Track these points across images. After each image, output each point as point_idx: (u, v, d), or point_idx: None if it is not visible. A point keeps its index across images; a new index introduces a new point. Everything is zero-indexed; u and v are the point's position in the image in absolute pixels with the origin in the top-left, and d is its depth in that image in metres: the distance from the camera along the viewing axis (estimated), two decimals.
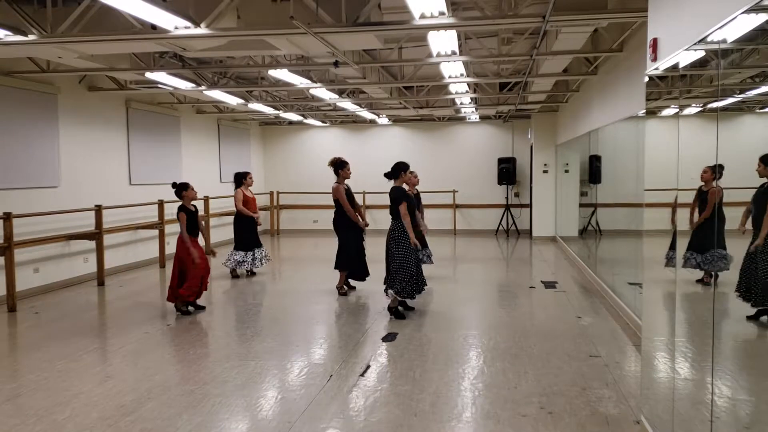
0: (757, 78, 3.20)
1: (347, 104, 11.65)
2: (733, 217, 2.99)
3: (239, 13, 5.81)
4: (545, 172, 13.61)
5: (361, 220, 7.74)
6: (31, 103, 8.18)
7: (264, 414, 4.08)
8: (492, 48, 7.90)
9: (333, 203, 7.72)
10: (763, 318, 3.02)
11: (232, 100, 10.43)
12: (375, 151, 14.96)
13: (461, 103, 11.87)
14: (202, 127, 12.98)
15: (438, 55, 7.00)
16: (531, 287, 8.26)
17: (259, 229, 9.45)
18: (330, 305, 7.32)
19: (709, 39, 2.70)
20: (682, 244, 3.34)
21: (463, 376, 4.73)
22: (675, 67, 3.16)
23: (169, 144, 11.54)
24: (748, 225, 2.94)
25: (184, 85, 8.74)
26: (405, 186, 6.71)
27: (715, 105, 2.87)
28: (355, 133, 15.69)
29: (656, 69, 3.44)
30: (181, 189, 6.86)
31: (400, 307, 6.62)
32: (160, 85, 8.98)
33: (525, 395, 4.29)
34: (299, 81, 8.80)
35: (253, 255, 9.14)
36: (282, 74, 8.28)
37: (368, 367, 4.98)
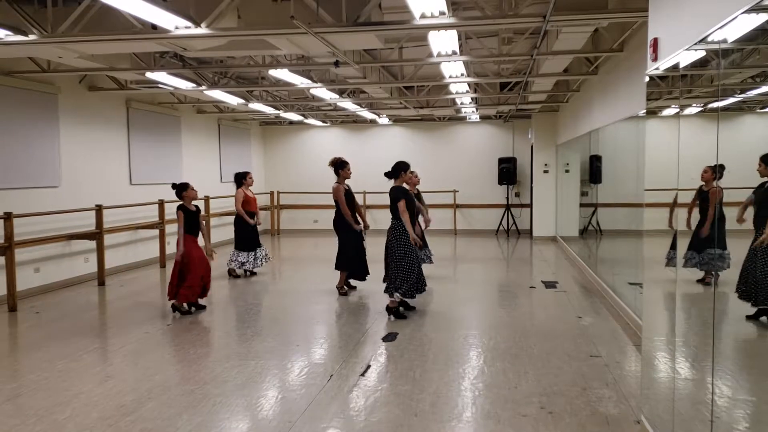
0: (758, 78, 3.20)
1: (348, 104, 11.65)
2: (732, 218, 2.99)
3: (239, 13, 5.81)
4: (546, 172, 13.60)
5: (356, 222, 7.67)
6: (32, 103, 8.18)
7: (264, 414, 4.08)
8: (492, 48, 7.89)
9: (333, 203, 7.72)
10: (763, 318, 3.02)
11: (233, 100, 10.43)
12: (375, 151, 14.96)
13: (462, 103, 11.87)
14: (203, 127, 12.98)
15: (438, 54, 7.00)
16: (531, 287, 8.26)
17: (259, 228, 9.45)
18: (330, 305, 7.32)
19: (709, 39, 2.70)
20: (682, 244, 3.33)
21: (464, 376, 4.73)
22: (675, 67, 3.16)
23: (170, 144, 11.55)
24: (749, 218, 2.94)
25: (184, 85, 8.74)
26: (405, 186, 6.71)
27: (715, 105, 2.87)
28: (356, 133, 15.69)
29: (657, 69, 3.43)
30: (181, 189, 6.88)
31: (401, 308, 6.61)
32: (160, 85, 8.98)
33: (525, 395, 4.29)
34: (300, 81, 8.80)
35: (255, 255, 9.15)
36: (282, 74, 8.28)
37: (368, 367, 4.98)
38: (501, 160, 14.50)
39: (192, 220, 6.88)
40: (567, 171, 12.52)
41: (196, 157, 12.44)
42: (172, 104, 11.43)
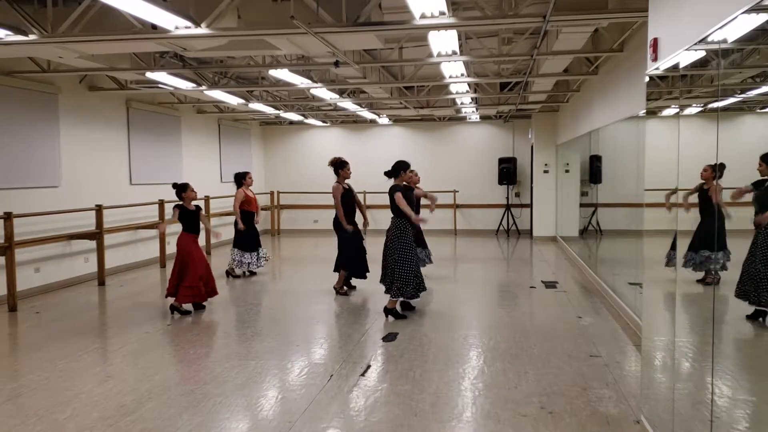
0: (758, 78, 3.20)
1: (348, 104, 11.64)
2: (732, 217, 2.99)
3: (239, 13, 5.81)
4: (546, 172, 13.60)
5: (350, 223, 7.66)
6: (32, 103, 8.18)
7: (264, 414, 4.08)
8: (492, 48, 7.89)
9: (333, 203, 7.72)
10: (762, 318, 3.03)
11: (233, 100, 10.43)
12: (375, 151, 14.96)
13: (462, 103, 11.87)
14: (203, 127, 12.98)
15: (438, 55, 6.99)
16: (531, 287, 8.26)
17: (259, 228, 9.45)
18: (330, 305, 7.32)
19: (709, 39, 2.70)
20: (682, 244, 3.34)
21: (464, 376, 4.73)
22: (675, 67, 3.16)
23: (170, 144, 11.55)
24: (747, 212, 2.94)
25: (184, 85, 8.74)
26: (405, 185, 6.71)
27: (715, 105, 2.87)
28: (356, 133, 15.69)
29: (657, 69, 3.43)
30: (181, 190, 6.92)
31: (398, 307, 6.61)
32: (160, 85, 8.98)
33: (525, 395, 4.29)
34: (300, 81, 8.80)
35: (258, 255, 9.17)
36: (282, 74, 8.28)
37: (368, 366, 4.98)
38: (501, 160, 14.49)
39: (192, 219, 6.91)
40: (567, 171, 12.52)
41: (196, 157, 12.44)
42: (172, 104, 11.42)
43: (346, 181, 7.77)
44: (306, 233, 15.29)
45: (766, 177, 2.87)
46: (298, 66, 8.23)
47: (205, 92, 9.37)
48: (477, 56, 7.81)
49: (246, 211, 9.04)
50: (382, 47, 6.56)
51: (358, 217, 7.85)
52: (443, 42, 6.38)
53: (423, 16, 5.18)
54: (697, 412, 3.13)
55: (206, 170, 12.85)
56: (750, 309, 3.07)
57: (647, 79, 3.68)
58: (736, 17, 2.40)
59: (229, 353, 5.43)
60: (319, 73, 9.37)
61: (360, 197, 8.18)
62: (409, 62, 7.99)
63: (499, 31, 7.38)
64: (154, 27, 5.39)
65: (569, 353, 5.23)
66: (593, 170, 9.43)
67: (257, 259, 9.15)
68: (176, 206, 6.91)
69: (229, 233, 9.34)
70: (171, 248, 8.72)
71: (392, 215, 6.57)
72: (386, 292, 6.60)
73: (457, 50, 6.90)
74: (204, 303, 7.08)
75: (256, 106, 11.23)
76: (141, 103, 10.57)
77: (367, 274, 7.77)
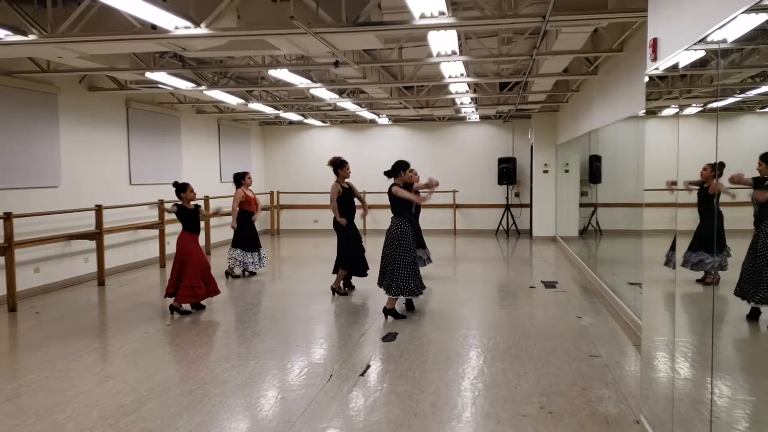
0: (757, 78, 3.20)
1: (347, 104, 11.64)
2: (732, 217, 2.99)
3: (239, 13, 5.81)
4: (545, 172, 13.60)
5: (348, 220, 7.71)
6: (32, 103, 8.18)
7: (264, 414, 4.08)
8: (492, 48, 7.89)
9: None
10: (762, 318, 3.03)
11: (232, 100, 10.43)
12: (375, 151, 14.96)
13: (461, 103, 11.87)
14: (203, 127, 12.98)
15: (438, 55, 7.00)
16: (531, 287, 8.26)
17: (259, 229, 9.45)
18: (330, 305, 7.32)
19: (709, 39, 2.70)
20: (682, 244, 3.34)
21: (463, 376, 4.73)
22: (675, 67, 3.16)
23: (170, 144, 11.54)
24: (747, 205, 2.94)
25: (184, 85, 8.74)
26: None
27: (715, 105, 2.87)
28: (356, 133, 15.69)
29: (656, 69, 3.43)
30: (180, 190, 6.95)
31: (397, 308, 6.61)
32: (160, 85, 8.98)
33: (525, 395, 4.29)
34: (299, 81, 8.80)
35: (259, 255, 9.17)
36: (282, 74, 8.28)
37: (368, 366, 4.98)
38: (501, 160, 14.49)
39: (191, 218, 6.92)
40: (567, 171, 12.52)
41: (195, 157, 12.43)
42: (172, 104, 11.42)
43: (346, 180, 7.78)
44: (306, 233, 15.29)
45: (766, 177, 2.87)
46: (298, 66, 8.23)
47: (205, 92, 9.37)
48: (476, 56, 7.81)
49: (245, 210, 9.04)
50: (381, 47, 6.56)
51: (358, 218, 7.86)
52: (443, 42, 6.38)
53: (422, 16, 5.18)
54: (696, 412, 3.13)
55: (206, 170, 12.85)
56: (749, 309, 3.07)
57: (647, 79, 3.68)
58: (735, 17, 2.40)
59: (229, 353, 5.43)
60: (318, 73, 9.37)
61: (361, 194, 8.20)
62: (409, 62, 7.99)
63: (498, 31, 7.38)
64: (153, 27, 5.40)
65: (569, 353, 5.23)
66: (593, 170, 9.43)
67: (259, 260, 9.16)
68: (175, 204, 6.97)
69: (228, 233, 9.35)
70: (171, 248, 8.73)
71: (392, 215, 6.58)
72: (387, 292, 6.60)
73: (457, 50, 6.90)
74: (203, 303, 7.08)
75: (255, 106, 11.23)
76: (140, 103, 10.57)
77: (368, 271, 7.78)
